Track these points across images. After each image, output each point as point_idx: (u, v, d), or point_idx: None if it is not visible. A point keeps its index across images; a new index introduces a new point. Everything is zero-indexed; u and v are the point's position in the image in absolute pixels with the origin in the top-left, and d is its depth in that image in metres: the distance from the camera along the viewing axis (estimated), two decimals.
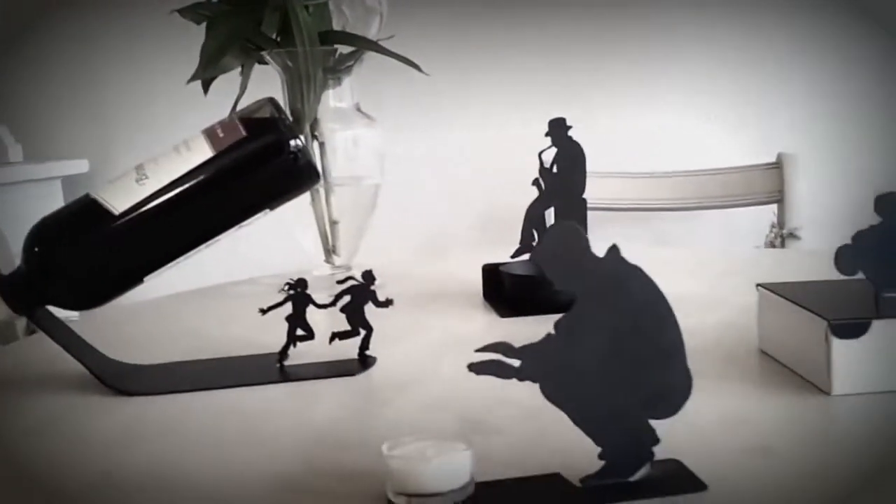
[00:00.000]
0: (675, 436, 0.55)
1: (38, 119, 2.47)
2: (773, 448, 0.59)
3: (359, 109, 1.09)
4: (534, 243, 1.02)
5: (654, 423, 0.53)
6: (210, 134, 0.73)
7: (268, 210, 0.76)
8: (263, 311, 0.78)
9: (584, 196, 1.02)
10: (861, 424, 0.64)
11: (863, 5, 2.09)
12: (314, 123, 1.05)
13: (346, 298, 0.79)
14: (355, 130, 1.09)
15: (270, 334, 0.80)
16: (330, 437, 0.65)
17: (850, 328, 0.66)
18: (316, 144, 1.06)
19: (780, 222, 1.60)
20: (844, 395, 0.67)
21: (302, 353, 0.80)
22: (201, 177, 0.72)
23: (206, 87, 1.09)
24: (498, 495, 0.53)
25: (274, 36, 1.01)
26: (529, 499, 0.53)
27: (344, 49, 1.05)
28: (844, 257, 0.68)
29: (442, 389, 0.72)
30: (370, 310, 0.79)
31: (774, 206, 1.63)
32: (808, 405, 0.67)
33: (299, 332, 0.79)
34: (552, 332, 0.52)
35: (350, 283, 0.78)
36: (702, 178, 1.70)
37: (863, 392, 0.67)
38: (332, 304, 0.78)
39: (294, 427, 0.68)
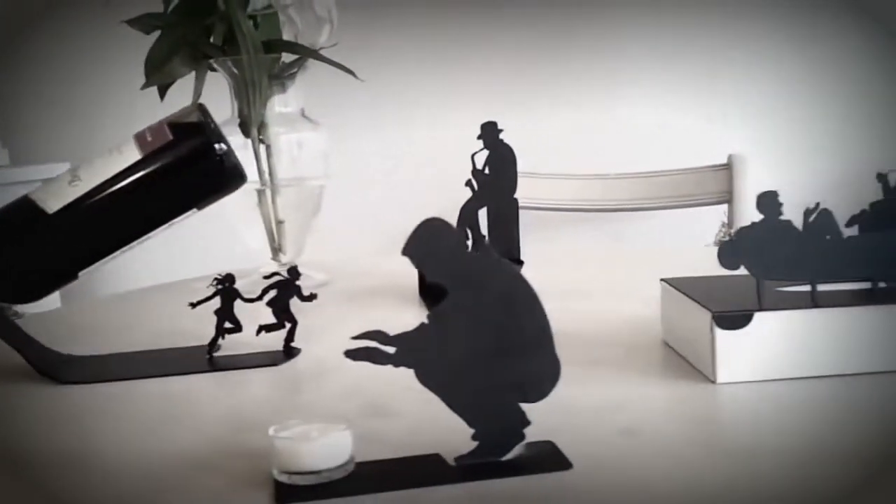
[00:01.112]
0: (560, 418, 0.61)
1: (22, 122, 2.52)
2: (645, 431, 0.64)
3: (304, 114, 1.14)
4: (467, 241, 1.07)
5: (539, 406, 0.57)
6: (140, 138, 0.78)
7: (195, 210, 0.80)
8: (193, 305, 0.83)
9: (516, 196, 1.06)
10: (738, 411, 0.69)
11: (863, 5, 2.12)
12: (261, 127, 1.09)
13: (273, 293, 0.83)
14: (300, 134, 1.13)
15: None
16: (244, 421, 0.70)
17: (733, 319, 0.71)
18: (263, 147, 1.10)
19: (730, 222, 1.64)
20: (728, 384, 0.71)
21: (236, 345, 0.85)
22: (129, 179, 0.76)
23: (161, 94, 1.13)
24: (376, 474, 0.57)
25: (220, 44, 1.05)
26: (404, 477, 0.57)
27: (288, 57, 1.10)
28: (726, 253, 0.72)
29: (356, 378, 0.76)
30: (308, 303, 0.83)
31: (725, 206, 1.67)
32: (692, 393, 0.71)
33: (228, 324, 0.84)
34: (425, 321, 0.56)
35: (276, 278, 0.83)
36: (657, 179, 1.75)
37: (746, 381, 0.71)
38: (259, 298, 0.83)
39: (214, 413, 0.72)
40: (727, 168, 1.70)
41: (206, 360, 0.83)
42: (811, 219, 0.71)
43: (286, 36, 1.19)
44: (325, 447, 0.56)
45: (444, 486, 0.56)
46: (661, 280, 0.83)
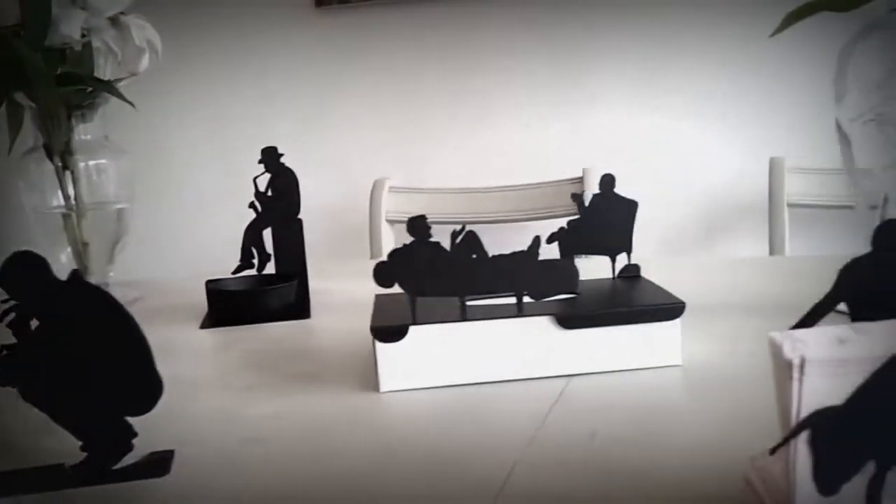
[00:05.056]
0: (211, 427, 0.68)
1: None
2: (279, 439, 0.69)
3: (106, 142, 1.20)
4: (253, 261, 1.12)
5: (198, 413, 0.63)
6: None
7: None
8: None
9: (300, 217, 1.12)
10: (393, 417, 0.73)
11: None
12: (65, 154, 1.15)
13: (13, 315, 0.89)
14: (103, 160, 1.19)
15: None
16: None
17: (389, 332, 0.76)
18: (67, 173, 1.16)
19: None
20: (390, 392, 0.77)
21: None
22: None
23: None
24: None
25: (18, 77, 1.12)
26: (22, 483, 0.63)
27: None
28: (381, 272, 0.77)
29: None
30: None
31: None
32: (357, 402, 0.76)
33: None
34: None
35: (13, 302, 0.88)
36: (520, 192, 1.79)
37: (406, 389, 0.77)
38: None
39: None
40: (580, 181, 1.74)
41: None
42: (458, 240, 0.76)
43: (109, 65, 1.25)
44: None
45: (60, 492, 0.62)
46: (376, 295, 0.88)
